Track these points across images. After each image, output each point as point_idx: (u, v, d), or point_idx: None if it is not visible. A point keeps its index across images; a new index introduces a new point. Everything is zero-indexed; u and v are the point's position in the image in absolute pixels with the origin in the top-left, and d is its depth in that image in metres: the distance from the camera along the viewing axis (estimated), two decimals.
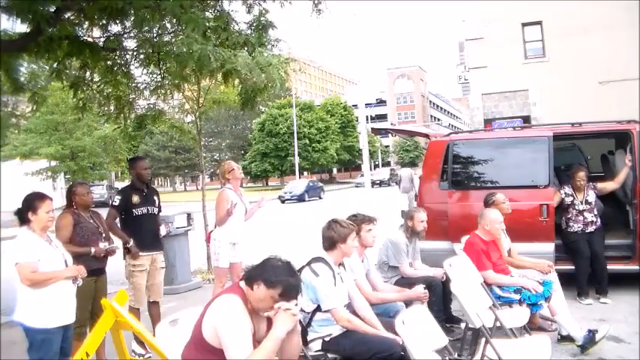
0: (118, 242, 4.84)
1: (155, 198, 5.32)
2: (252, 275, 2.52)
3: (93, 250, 4.43)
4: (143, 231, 5.09)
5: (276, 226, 17.06)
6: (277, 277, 2.46)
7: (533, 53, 17.70)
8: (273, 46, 5.43)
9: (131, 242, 4.99)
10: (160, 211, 5.43)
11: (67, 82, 5.90)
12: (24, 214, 3.58)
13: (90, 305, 4.37)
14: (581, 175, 6.05)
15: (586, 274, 5.91)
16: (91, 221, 4.60)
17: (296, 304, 2.50)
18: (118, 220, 5.15)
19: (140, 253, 5.05)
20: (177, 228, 7.59)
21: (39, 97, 6.15)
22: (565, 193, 6.09)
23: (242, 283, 2.58)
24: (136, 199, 5.11)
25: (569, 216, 6.05)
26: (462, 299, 3.85)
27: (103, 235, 4.63)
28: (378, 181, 42.82)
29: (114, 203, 5.12)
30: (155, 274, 5.26)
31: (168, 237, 7.60)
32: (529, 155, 6.43)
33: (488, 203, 5.32)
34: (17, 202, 3.68)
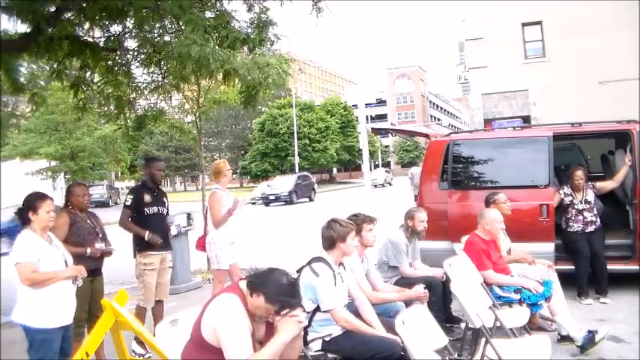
0: (115, 244, 4.83)
1: (165, 199, 5.39)
2: (255, 284, 2.50)
3: (89, 250, 4.42)
4: (153, 230, 5.12)
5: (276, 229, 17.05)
6: (279, 296, 2.44)
7: (533, 53, 17.69)
8: (273, 43, 5.44)
9: (147, 234, 5.03)
10: (167, 213, 5.48)
11: (67, 83, 5.90)
12: (24, 213, 3.58)
13: (87, 305, 4.37)
14: (579, 174, 6.05)
15: (586, 274, 5.91)
16: (88, 221, 4.58)
17: (303, 311, 2.50)
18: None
19: (150, 252, 5.09)
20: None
21: (39, 97, 6.15)
22: (564, 193, 6.09)
23: (242, 284, 2.57)
24: (147, 198, 5.16)
25: (568, 216, 6.05)
26: (462, 299, 3.85)
27: (100, 235, 4.61)
28: (273, 196, 27.94)
29: (126, 203, 5.18)
30: (163, 274, 5.29)
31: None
32: (529, 155, 6.42)
33: (489, 202, 5.32)
34: (18, 202, 3.68)
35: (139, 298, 5.15)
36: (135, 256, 5.19)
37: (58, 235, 4.24)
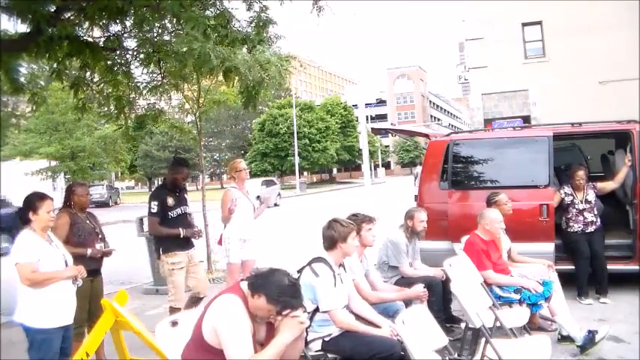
0: (113, 244, 4.82)
1: (186, 196, 5.33)
2: (256, 285, 2.50)
3: (89, 251, 4.42)
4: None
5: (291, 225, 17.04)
6: (280, 297, 2.44)
7: (533, 53, 17.70)
8: (272, 42, 5.43)
9: (182, 231, 5.02)
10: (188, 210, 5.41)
11: (67, 82, 5.90)
12: (25, 214, 3.58)
13: (87, 306, 4.36)
14: (580, 174, 6.05)
15: (586, 274, 5.91)
16: (87, 222, 4.59)
17: (304, 311, 2.50)
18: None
19: (176, 252, 5.06)
20: None
21: (39, 97, 6.15)
22: (565, 192, 6.09)
23: (243, 285, 2.57)
24: (170, 201, 5.11)
25: (569, 216, 6.05)
26: (462, 299, 3.85)
27: (100, 235, 4.62)
28: None
29: (152, 210, 5.10)
30: (196, 270, 5.27)
31: None
32: (529, 155, 6.42)
33: (490, 202, 5.32)
34: (17, 202, 3.68)
35: (170, 299, 5.10)
36: (159, 257, 5.16)
37: (58, 236, 4.24)
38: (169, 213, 5.09)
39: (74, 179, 21.89)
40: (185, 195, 5.34)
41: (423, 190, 6.69)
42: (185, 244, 5.17)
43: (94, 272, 4.49)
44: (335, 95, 71.44)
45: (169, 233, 5.06)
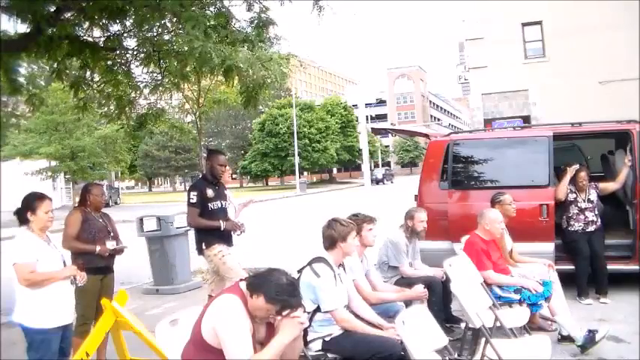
0: (126, 242, 4.81)
1: (226, 193, 5.24)
2: (254, 285, 2.50)
3: (98, 248, 4.42)
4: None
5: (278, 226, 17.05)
6: (278, 296, 2.44)
7: (533, 53, 17.69)
8: (273, 43, 5.43)
9: (222, 223, 4.91)
10: (227, 207, 5.28)
11: (67, 82, 5.90)
12: (23, 214, 3.58)
13: (95, 303, 4.34)
14: (582, 176, 6.05)
15: (586, 274, 5.91)
16: (100, 220, 4.61)
17: (304, 311, 2.49)
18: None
19: (218, 245, 4.97)
20: (177, 228, 7.60)
21: (37, 99, 6.15)
22: (569, 189, 6.09)
23: (242, 285, 2.57)
24: (210, 192, 5.00)
25: (570, 214, 6.05)
26: (462, 299, 3.84)
27: (112, 234, 4.63)
28: None
29: (192, 200, 4.97)
30: None
31: (169, 237, 7.60)
32: (529, 155, 6.42)
33: (494, 201, 5.32)
34: (17, 202, 3.68)
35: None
36: (200, 253, 5.07)
37: (69, 232, 4.33)
38: (209, 205, 4.96)
39: (74, 179, 21.92)
40: (225, 191, 5.21)
41: (423, 190, 6.68)
42: (227, 240, 5.05)
43: (104, 270, 4.51)
44: (335, 95, 71.44)
45: (209, 225, 4.92)
